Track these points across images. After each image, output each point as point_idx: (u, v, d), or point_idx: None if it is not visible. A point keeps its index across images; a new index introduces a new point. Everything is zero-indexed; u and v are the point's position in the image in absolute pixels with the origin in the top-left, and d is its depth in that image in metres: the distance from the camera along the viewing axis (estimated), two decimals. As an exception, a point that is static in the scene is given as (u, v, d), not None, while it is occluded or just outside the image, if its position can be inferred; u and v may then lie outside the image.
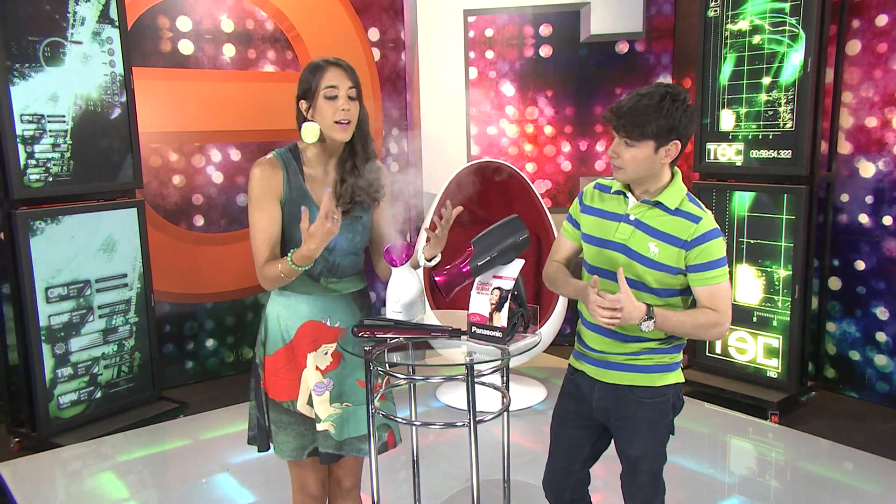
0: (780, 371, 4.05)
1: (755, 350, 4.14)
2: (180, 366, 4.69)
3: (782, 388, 4.04)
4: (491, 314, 1.79)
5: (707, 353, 4.35)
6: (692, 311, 1.95)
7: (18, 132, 3.52)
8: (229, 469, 3.34)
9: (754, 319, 4.12)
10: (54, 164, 3.67)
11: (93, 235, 3.82)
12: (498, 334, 1.79)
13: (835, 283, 4.28)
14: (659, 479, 2.08)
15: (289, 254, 1.92)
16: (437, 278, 1.84)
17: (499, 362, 1.88)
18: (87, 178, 3.80)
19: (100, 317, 3.88)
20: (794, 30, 3.81)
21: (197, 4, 4.55)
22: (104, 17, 3.80)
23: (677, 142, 1.90)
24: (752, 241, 4.09)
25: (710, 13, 4.15)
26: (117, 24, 3.85)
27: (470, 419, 1.76)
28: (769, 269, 4.04)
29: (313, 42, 5.02)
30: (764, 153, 4.01)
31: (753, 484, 3.34)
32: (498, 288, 1.80)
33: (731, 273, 4.13)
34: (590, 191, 2.11)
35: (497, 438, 3.67)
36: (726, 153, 4.17)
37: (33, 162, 3.59)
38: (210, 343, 4.79)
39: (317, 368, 2.06)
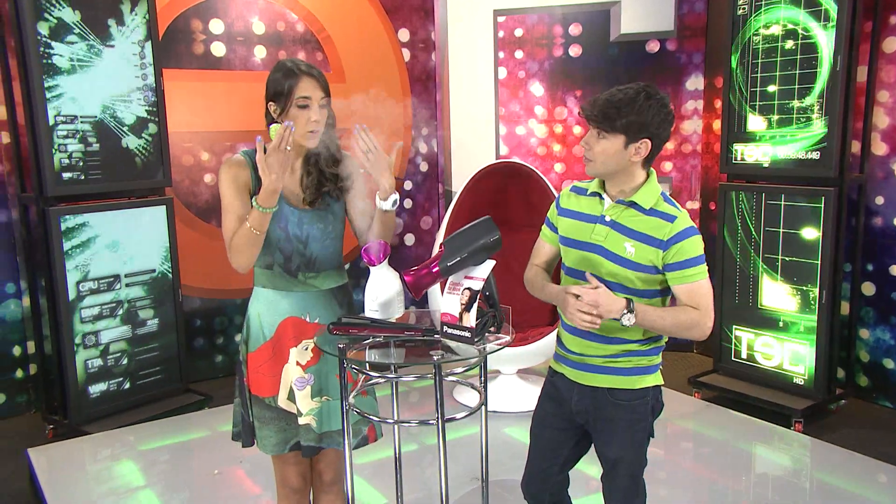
0: (806, 378, 3.94)
1: (781, 355, 4.04)
2: (210, 359, 4.83)
3: (809, 395, 3.92)
4: (461, 314, 1.81)
5: (732, 358, 4.26)
6: (674, 308, 1.94)
7: (52, 132, 3.68)
8: (243, 462, 3.42)
9: (781, 324, 4.01)
10: (87, 163, 3.82)
11: (123, 232, 3.96)
12: (467, 334, 1.80)
13: (868, 289, 4.13)
14: (638, 482, 2.07)
15: (253, 201, 1.95)
16: (405, 278, 1.86)
17: (472, 360, 1.88)
18: (118, 177, 3.94)
19: (129, 310, 4.02)
20: (824, 28, 3.69)
21: (229, 7, 4.67)
22: (136, 21, 3.94)
23: (647, 141, 1.91)
24: (779, 245, 3.98)
25: (739, 11, 4.06)
26: (149, 26, 3.99)
27: (438, 418, 1.78)
28: (797, 273, 3.93)
29: (343, 43, 5.09)
30: (792, 154, 3.91)
31: (770, 494, 3.26)
32: (468, 288, 1.81)
33: (756, 277, 4.06)
34: (566, 193, 2.12)
35: (506, 438, 3.70)
36: (753, 154, 4.07)
37: (66, 161, 3.74)
38: (238, 337, 4.90)
39: (297, 364, 2.11)
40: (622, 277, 1.95)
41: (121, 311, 3.99)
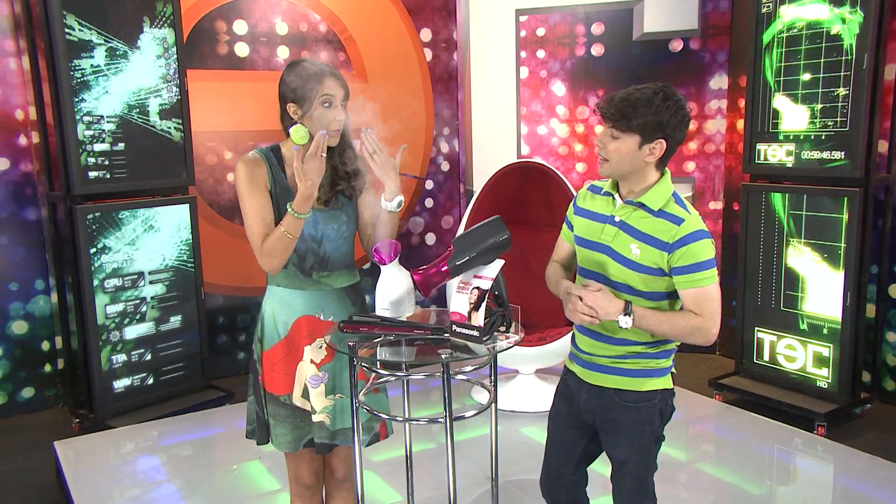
0: (830, 381, 3.88)
1: (804, 358, 3.98)
2: (232, 356, 4.89)
3: (832, 399, 3.86)
4: (469, 313, 1.82)
5: (755, 360, 4.21)
6: (673, 313, 1.92)
7: (80, 132, 3.75)
8: (261, 457, 3.46)
9: (804, 326, 3.96)
10: (112, 162, 3.89)
11: (147, 230, 4.03)
12: (475, 333, 1.81)
13: (895, 291, 4.06)
14: (646, 486, 2.05)
15: (286, 206, 1.98)
16: (414, 276, 1.87)
17: (482, 359, 1.89)
18: (143, 176, 4.01)
19: (152, 307, 4.09)
20: (851, 25, 3.64)
21: (253, 8, 4.73)
22: (161, 22, 4.00)
23: (662, 141, 1.88)
24: (804, 246, 3.93)
25: (763, 9, 4.01)
26: (173, 28, 4.05)
27: (446, 416, 1.79)
28: (821, 274, 3.87)
29: (366, 43, 5.12)
30: (816, 154, 3.85)
31: (791, 499, 3.22)
32: (477, 287, 1.82)
33: (779, 279, 4.01)
34: (583, 192, 2.12)
35: (523, 438, 3.70)
36: (777, 154, 4.02)
37: (93, 160, 3.82)
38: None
39: (312, 361, 2.13)
40: (628, 278, 1.93)
41: (144, 308, 4.06)
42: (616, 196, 2.00)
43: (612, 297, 1.86)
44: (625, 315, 1.84)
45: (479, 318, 1.79)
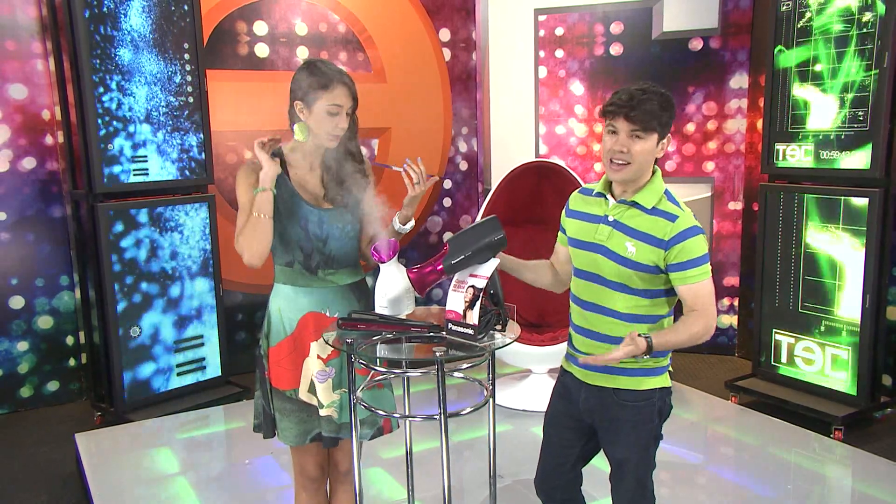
0: (848, 384, 3.82)
1: (823, 361, 3.93)
2: (250, 353, 4.91)
3: (851, 402, 3.81)
4: (465, 312, 1.83)
5: (772, 362, 4.16)
6: (685, 322, 1.91)
7: (101, 131, 3.83)
8: (273, 452, 3.51)
9: (822, 329, 3.90)
10: (133, 162, 3.97)
11: (167, 228, 4.11)
12: (470, 331, 1.83)
13: (917, 294, 3.99)
14: (645, 485, 2.05)
15: (255, 190, 2.07)
16: (409, 275, 1.89)
17: (478, 357, 1.91)
18: (163, 175, 4.09)
19: (172, 304, 4.17)
20: (871, 23, 3.58)
21: (273, 9, 4.79)
22: (182, 21, 4.07)
23: (669, 137, 1.94)
24: (823, 247, 3.88)
25: (783, 8, 3.96)
26: (194, 29, 4.12)
27: (441, 413, 1.81)
28: (840, 276, 3.82)
29: (384, 43, 5.16)
30: (836, 154, 3.80)
31: (805, 503, 3.18)
32: (472, 286, 1.84)
33: (798, 280, 3.96)
34: (575, 196, 2.14)
35: (534, 437, 3.70)
36: (796, 154, 3.97)
37: (114, 159, 3.90)
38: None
39: (318, 357, 2.16)
40: (625, 277, 1.94)
41: (163, 305, 4.14)
42: (609, 196, 2.01)
43: (631, 346, 1.82)
44: (648, 351, 1.83)
45: (474, 317, 1.81)
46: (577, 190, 2.15)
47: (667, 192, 1.96)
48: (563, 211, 2.16)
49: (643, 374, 2.00)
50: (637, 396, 1.99)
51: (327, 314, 2.18)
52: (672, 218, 1.90)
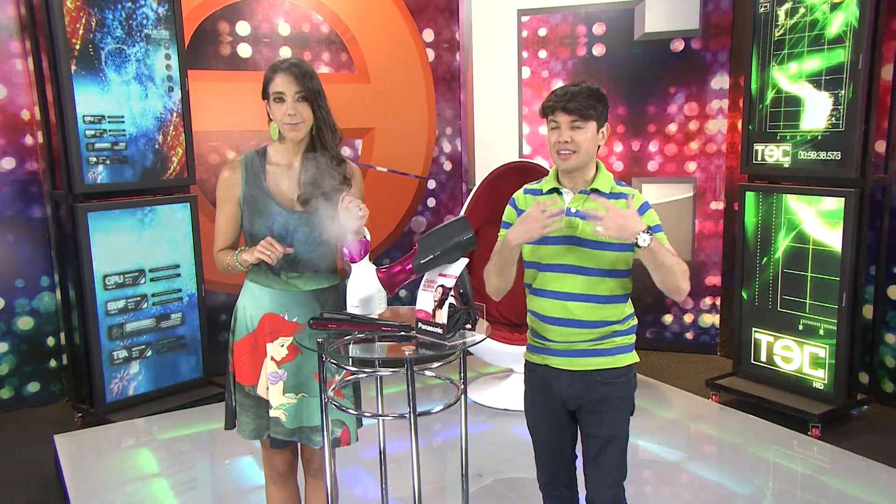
0: (826, 382, 3.85)
1: (801, 359, 3.96)
2: (233, 353, 4.94)
3: (828, 400, 3.84)
4: (434, 311, 1.84)
5: (752, 361, 4.19)
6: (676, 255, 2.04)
7: (81, 132, 3.82)
8: (253, 453, 3.51)
9: (800, 327, 3.94)
10: (113, 162, 3.96)
11: (148, 228, 4.10)
12: (439, 330, 1.84)
13: (894, 292, 4.02)
14: (625, 461, 2.15)
15: (236, 252, 2.12)
16: (378, 274, 1.90)
17: (449, 356, 1.92)
18: (144, 175, 4.08)
19: (153, 304, 4.16)
20: (846, 26, 3.61)
21: (255, 9, 4.78)
22: (162, 22, 4.07)
23: (607, 125, 2.10)
24: (801, 246, 3.91)
25: (761, 9, 3.99)
26: (174, 28, 4.11)
27: (410, 412, 1.82)
28: (817, 275, 3.85)
29: (368, 44, 5.16)
30: (813, 154, 3.83)
31: (780, 501, 3.20)
32: (441, 286, 1.85)
33: (776, 279, 3.99)
34: (522, 196, 2.21)
35: (515, 437, 3.71)
36: (774, 154, 4.01)
37: (94, 159, 3.89)
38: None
39: (272, 359, 2.18)
40: (604, 262, 2.04)
41: (145, 305, 4.13)
42: (565, 191, 2.11)
43: (635, 213, 1.95)
44: (647, 233, 1.92)
45: (443, 316, 1.82)
46: (521, 191, 2.23)
47: (615, 179, 2.14)
48: (512, 211, 2.21)
49: (621, 351, 2.12)
50: (619, 374, 2.11)
51: (286, 317, 2.19)
52: (629, 196, 2.06)
